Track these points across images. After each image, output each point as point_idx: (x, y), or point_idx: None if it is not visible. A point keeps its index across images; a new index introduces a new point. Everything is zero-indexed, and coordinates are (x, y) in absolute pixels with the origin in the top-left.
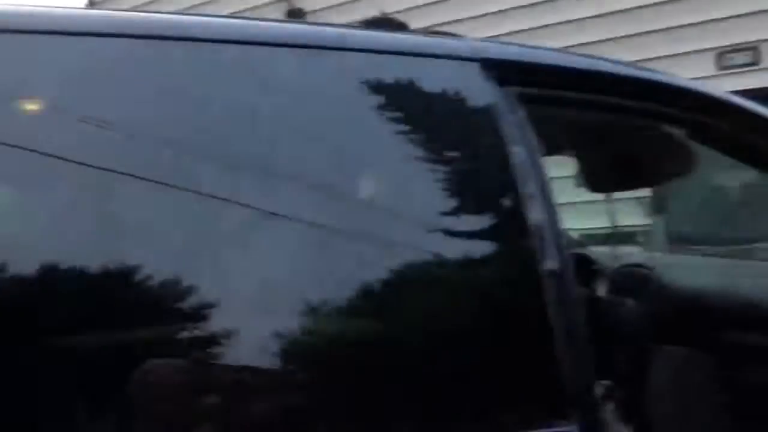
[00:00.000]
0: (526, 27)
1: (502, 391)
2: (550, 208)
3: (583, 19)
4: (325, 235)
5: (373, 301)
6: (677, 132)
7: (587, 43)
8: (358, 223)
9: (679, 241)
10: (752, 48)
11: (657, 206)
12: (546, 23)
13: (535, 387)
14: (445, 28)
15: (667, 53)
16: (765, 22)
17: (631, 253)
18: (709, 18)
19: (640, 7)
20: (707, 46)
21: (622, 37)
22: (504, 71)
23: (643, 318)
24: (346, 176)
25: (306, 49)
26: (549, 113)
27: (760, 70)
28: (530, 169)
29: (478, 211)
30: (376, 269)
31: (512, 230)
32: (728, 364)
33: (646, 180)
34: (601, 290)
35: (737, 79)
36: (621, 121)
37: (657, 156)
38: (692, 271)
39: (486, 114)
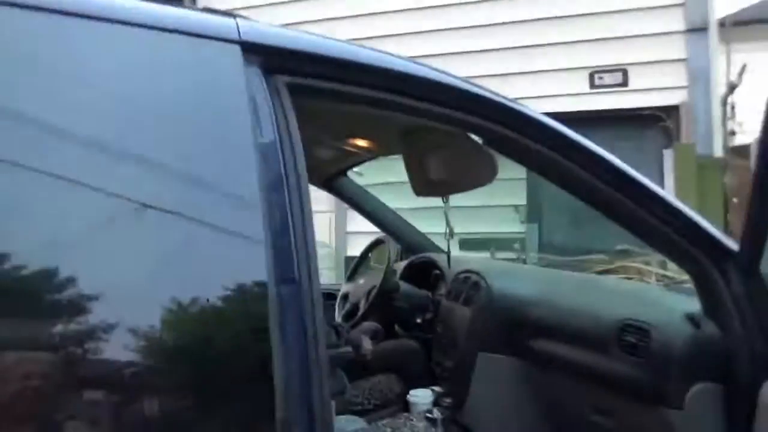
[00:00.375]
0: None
1: (217, 410)
2: (299, 210)
3: (474, 27)
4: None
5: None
6: (475, 140)
7: (473, 51)
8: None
9: (547, 249)
10: (621, 70)
11: (532, 215)
12: (426, 29)
13: (250, 405)
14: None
15: (546, 68)
16: (633, 46)
17: (469, 260)
18: (583, 38)
19: (524, 21)
20: (581, 64)
21: (507, 48)
22: (271, 57)
23: (472, 325)
24: (47, 162)
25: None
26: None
27: (628, 91)
28: (283, 167)
29: (213, 209)
30: (77, 267)
31: (245, 233)
32: (543, 373)
33: (452, 186)
34: (441, 295)
35: (607, 98)
36: (417, 125)
37: (459, 163)
38: (518, 280)
39: (239, 102)
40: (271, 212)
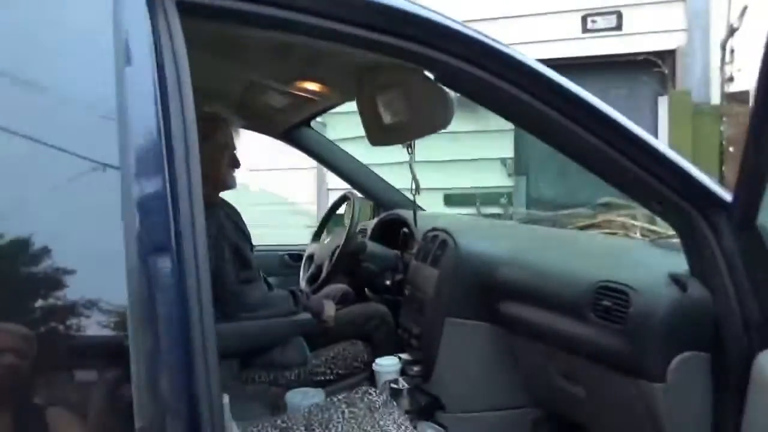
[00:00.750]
0: None
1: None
2: (183, 161)
3: None
4: None
5: None
6: (428, 77)
7: None
8: None
9: (534, 202)
10: (616, 12)
11: (519, 167)
12: None
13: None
14: None
15: (537, 11)
16: None
17: (441, 216)
18: None
19: None
20: (573, 7)
21: None
22: None
23: (439, 288)
24: None
25: None
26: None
27: (622, 35)
28: (160, 103)
29: (57, 147)
30: None
31: (96, 185)
32: (513, 340)
33: (406, 132)
34: (411, 255)
35: (601, 42)
36: (365, 63)
37: (411, 105)
38: (489, 239)
39: (103, 21)
40: (139, 162)
